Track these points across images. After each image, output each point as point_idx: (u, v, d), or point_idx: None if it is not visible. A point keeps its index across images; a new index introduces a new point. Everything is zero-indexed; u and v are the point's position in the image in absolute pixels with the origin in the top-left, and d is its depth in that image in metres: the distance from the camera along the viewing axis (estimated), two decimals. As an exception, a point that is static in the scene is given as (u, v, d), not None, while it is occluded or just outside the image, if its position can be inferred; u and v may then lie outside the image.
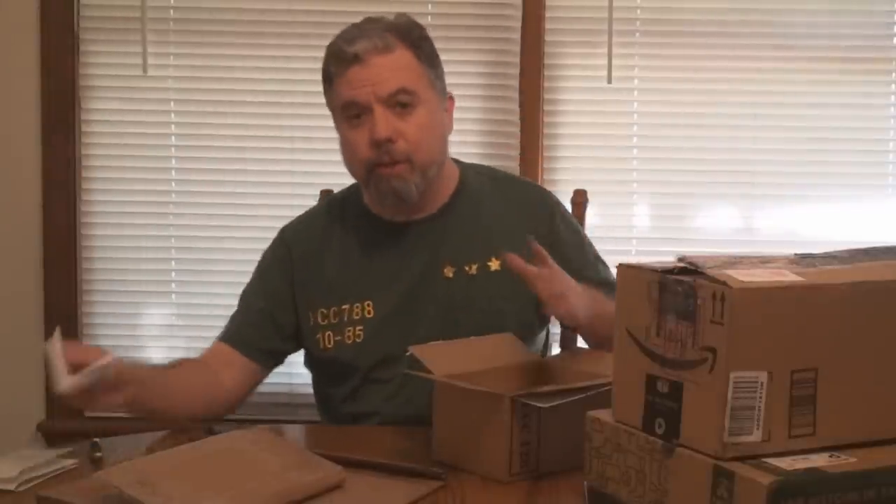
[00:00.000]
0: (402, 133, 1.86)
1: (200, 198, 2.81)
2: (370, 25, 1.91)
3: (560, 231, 2.01)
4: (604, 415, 1.41)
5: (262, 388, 2.78)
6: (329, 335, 1.95)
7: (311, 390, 2.81)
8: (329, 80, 1.92)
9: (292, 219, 2.10)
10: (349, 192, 2.06)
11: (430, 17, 2.74)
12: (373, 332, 1.93)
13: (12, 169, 2.77)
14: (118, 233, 2.81)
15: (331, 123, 2.74)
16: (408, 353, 1.71)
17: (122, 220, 2.81)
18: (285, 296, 1.99)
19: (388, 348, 1.90)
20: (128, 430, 1.86)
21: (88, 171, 2.79)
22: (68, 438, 1.73)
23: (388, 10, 2.71)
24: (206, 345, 2.79)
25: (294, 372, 2.78)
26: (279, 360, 2.05)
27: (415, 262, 1.95)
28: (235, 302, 2.81)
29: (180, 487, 1.40)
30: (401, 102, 1.86)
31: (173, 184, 2.82)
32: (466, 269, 1.95)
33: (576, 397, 1.57)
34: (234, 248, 2.79)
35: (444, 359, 1.68)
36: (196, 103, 2.80)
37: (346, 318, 1.94)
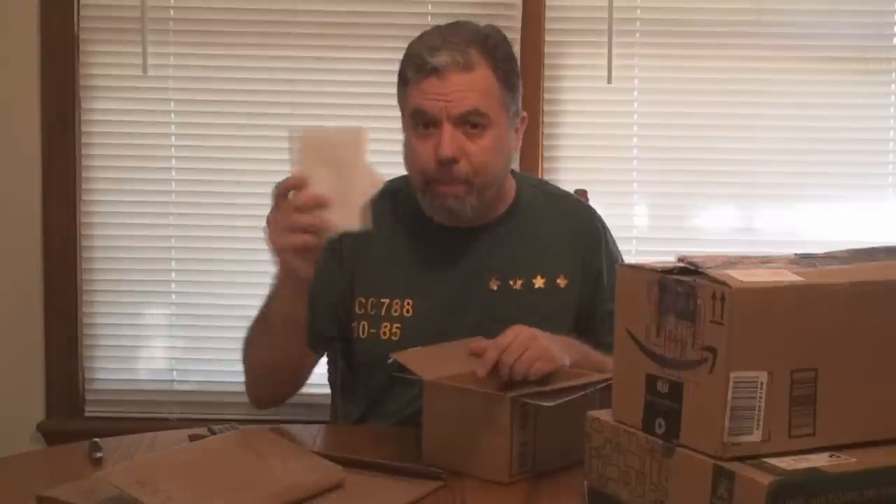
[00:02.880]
0: (467, 154, 1.84)
1: (200, 198, 2.80)
2: (455, 35, 1.87)
3: (602, 263, 2.00)
4: (604, 415, 1.41)
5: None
6: (364, 325, 1.93)
7: (310, 391, 2.80)
8: (404, 82, 1.89)
9: None
10: (403, 183, 2.00)
11: (429, 18, 2.74)
12: (409, 333, 1.90)
13: (12, 169, 2.77)
14: (118, 233, 2.81)
15: (331, 124, 2.77)
16: (390, 361, 1.70)
17: (122, 220, 2.81)
18: (341, 280, 1.95)
19: None
20: (128, 430, 1.86)
21: (88, 171, 2.79)
22: (68, 438, 1.72)
23: (389, 9, 2.74)
24: (207, 344, 2.82)
25: (294, 372, 2.79)
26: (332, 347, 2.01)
27: (461, 270, 1.93)
28: (235, 301, 2.81)
29: (180, 487, 1.40)
30: (472, 123, 1.84)
31: (173, 184, 2.81)
32: (511, 283, 1.94)
33: (576, 395, 1.57)
34: (234, 248, 2.79)
35: (427, 363, 1.67)
36: (196, 103, 2.79)
37: (384, 313, 1.92)
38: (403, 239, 1.96)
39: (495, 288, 1.93)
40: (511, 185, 2.00)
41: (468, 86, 1.83)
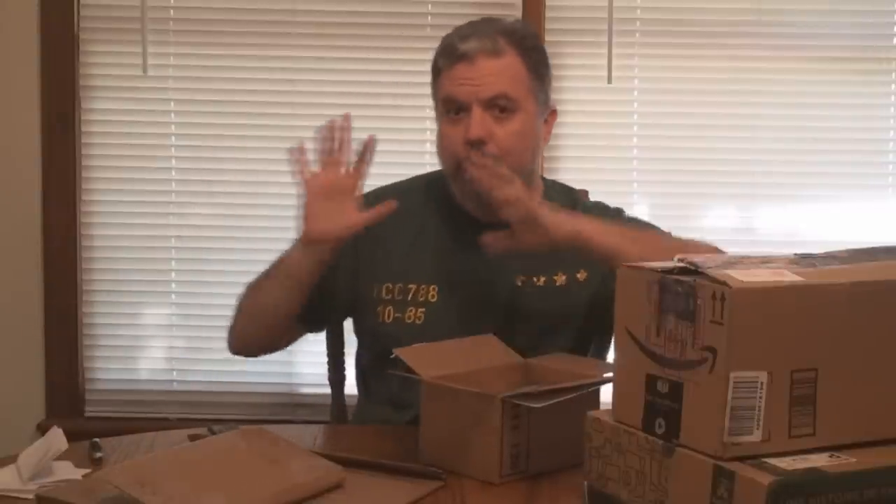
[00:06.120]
0: (495, 137, 1.87)
1: (200, 198, 2.81)
2: (485, 26, 1.93)
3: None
4: (604, 415, 1.41)
5: (262, 388, 2.81)
6: (390, 310, 1.95)
7: (310, 390, 2.81)
8: (437, 71, 1.94)
9: (375, 187, 2.09)
10: (437, 175, 2.04)
11: (429, 17, 2.75)
12: (432, 318, 1.93)
13: (12, 169, 2.77)
14: (118, 233, 2.81)
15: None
16: (392, 356, 1.70)
17: (122, 220, 2.81)
18: (346, 268, 1.98)
19: (445, 337, 1.84)
20: (128, 430, 1.86)
21: (88, 171, 2.79)
22: (68, 438, 1.72)
23: (389, 9, 2.74)
24: (207, 344, 2.82)
25: (294, 372, 2.80)
26: (323, 327, 2.10)
27: (487, 263, 1.94)
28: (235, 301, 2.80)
29: (180, 487, 1.40)
30: (500, 107, 1.88)
31: (173, 184, 2.81)
32: (535, 280, 1.96)
33: (567, 397, 1.57)
34: (233, 247, 2.79)
35: (428, 361, 1.67)
36: (196, 103, 2.79)
37: (409, 298, 1.95)
38: (432, 227, 1.99)
39: (520, 283, 1.96)
40: (539, 187, 2.02)
41: (497, 69, 1.88)
